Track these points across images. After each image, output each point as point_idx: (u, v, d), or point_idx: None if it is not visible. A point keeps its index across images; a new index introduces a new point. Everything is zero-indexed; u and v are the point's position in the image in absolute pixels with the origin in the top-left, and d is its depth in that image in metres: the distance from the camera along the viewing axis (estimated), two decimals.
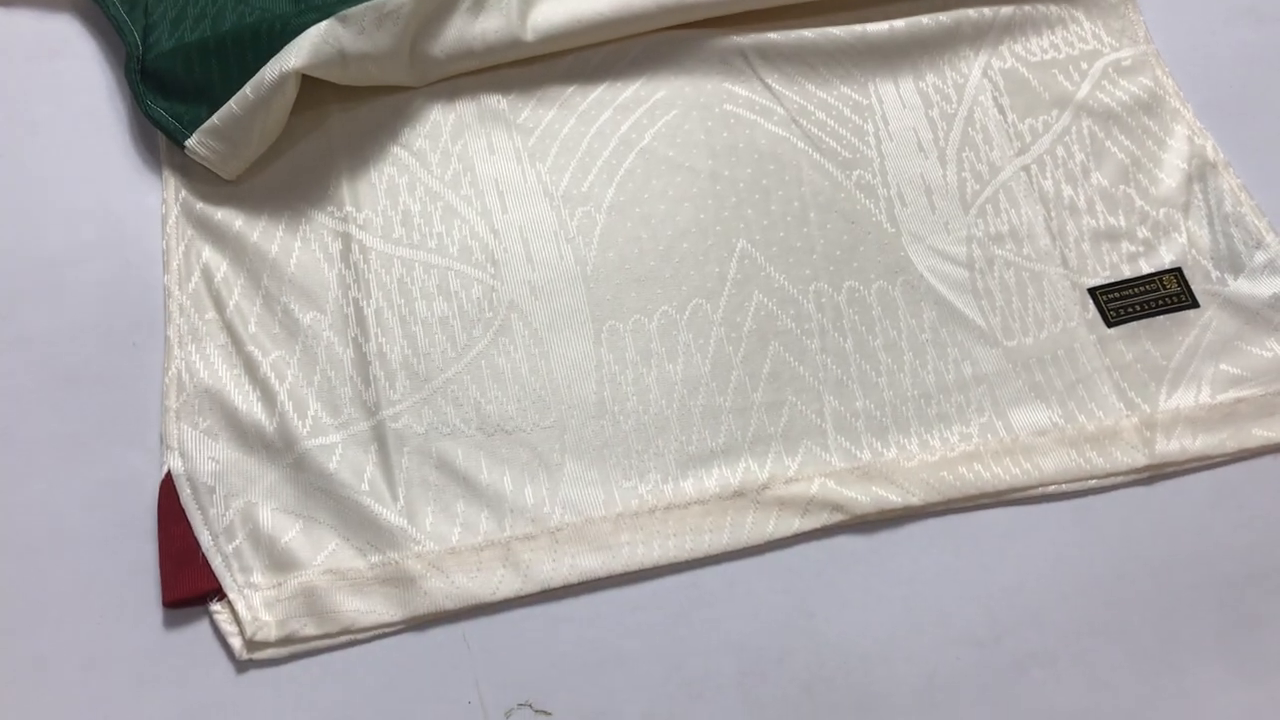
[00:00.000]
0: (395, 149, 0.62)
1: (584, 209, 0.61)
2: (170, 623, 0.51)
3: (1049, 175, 0.63)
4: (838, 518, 0.54)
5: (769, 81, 0.65)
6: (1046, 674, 0.52)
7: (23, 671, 0.50)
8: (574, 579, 0.52)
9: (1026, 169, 0.63)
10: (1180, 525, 0.55)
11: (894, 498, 0.54)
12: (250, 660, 0.50)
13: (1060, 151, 0.64)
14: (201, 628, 0.51)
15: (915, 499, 0.55)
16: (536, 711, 0.50)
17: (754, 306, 0.59)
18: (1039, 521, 0.55)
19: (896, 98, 0.65)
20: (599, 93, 0.64)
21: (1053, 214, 0.62)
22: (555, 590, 0.52)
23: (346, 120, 0.62)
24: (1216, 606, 0.53)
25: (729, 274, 0.59)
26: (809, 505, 0.54)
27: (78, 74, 0.63)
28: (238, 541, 0.52)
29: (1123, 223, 0.62)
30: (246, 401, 0.55)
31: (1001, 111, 0.65)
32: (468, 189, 0.61)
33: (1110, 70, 0.66)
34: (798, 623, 0.53)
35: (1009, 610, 0.53)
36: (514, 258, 0.59)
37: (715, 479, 0.55)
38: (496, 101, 0.63)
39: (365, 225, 0.59)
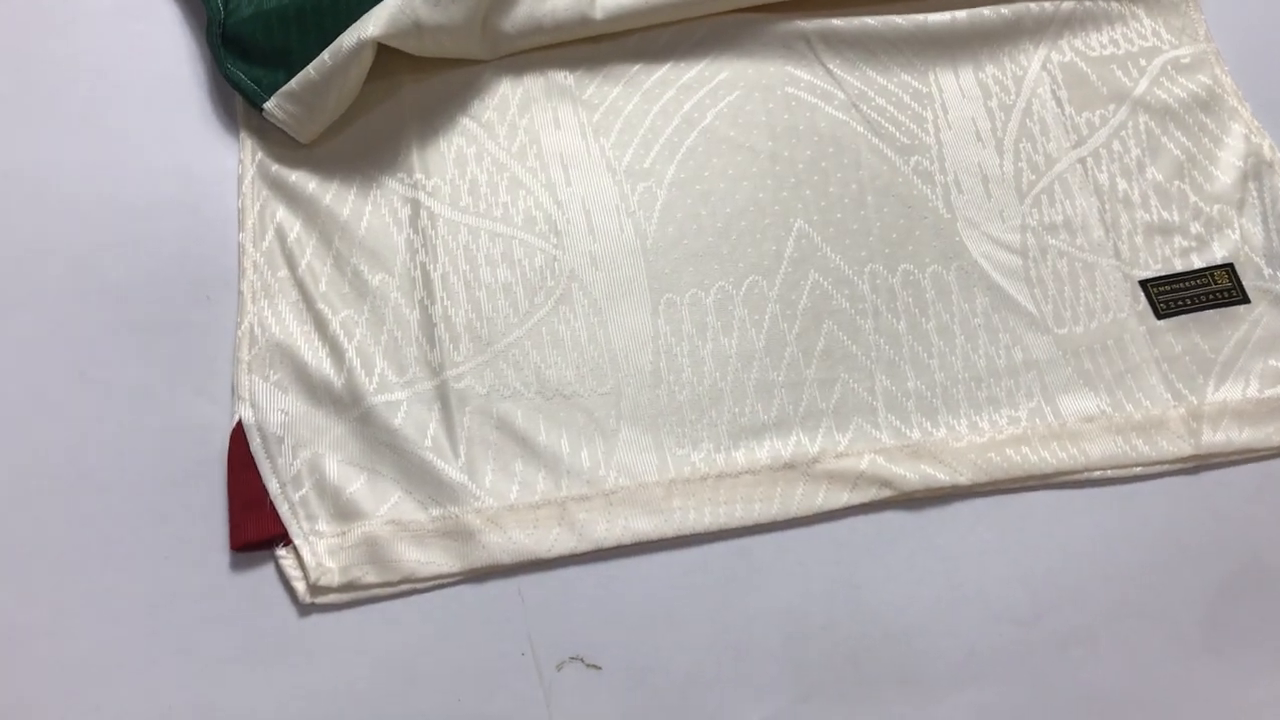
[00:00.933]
0: (464, 120, 0.63)
1: (645, 184, 0.62)
2: (236, 565, 0.53)
3: (1104, 168, 0.64)
4: (886, 493, 0.55)
5: (831, 66, 0.66)
6: (1086, 653, 0.53)
7: (93, 605, 0.52)
8: (626, 540, 0.54)
9: (1082, 161, 0.64)
10: (1224, 515, 0.56)
11: (942, 476, 0.55)
12: (313, 604, 0.52)
13: (1116, 145, 0.64)
14: (266, 571, 0.53)
15: (963, 479, 0.56)
16: (587, 665, 0.52)
17: (809, 285, 0.60)
18: (1084, 506, 0.56)
19: (956, 87, 0.66)
20: (664, 72, 0.65)
21: (1107, 206, 0.63)
22: (608, 550, 0.54)
23: (418, 90, 0.64)
24: (1258, 596, 0.54)
25: (786, 252, 0.61)
26: (858, 480, 0.55)
27: (161, 37, 0.65)
28: (304, 490, 0.54)
29: (1176, 217, 0.63)
30: (316, 357, 0.57)
31: (1059, 104, 0.65)
32: (533, 161, 0.62)
33: (1169, 67, 0.67)
34: (844, 593, 0.54)
35: (1051, 590, 0.54)
36: (576, 229, 0.60)
37: (767, 450, 0.56)
38: (564, 77, 0.65)
39: (434, 192, 0.61)
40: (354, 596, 0.53)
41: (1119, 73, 0.66)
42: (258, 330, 0.57)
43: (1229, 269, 0.61)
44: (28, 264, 0.59)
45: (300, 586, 0.52)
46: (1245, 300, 0.61)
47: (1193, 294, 0.61)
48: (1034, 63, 0.67)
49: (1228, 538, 0.55)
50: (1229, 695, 0.52)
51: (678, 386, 0.58)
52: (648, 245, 0.60)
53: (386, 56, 0.61)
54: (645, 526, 0.54)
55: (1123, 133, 0.65)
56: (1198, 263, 0.62)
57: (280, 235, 0.59)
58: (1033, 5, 0.67)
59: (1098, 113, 0.65)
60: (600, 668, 0.52)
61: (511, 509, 0.54)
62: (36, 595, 0.52)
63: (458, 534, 0.53)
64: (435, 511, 0.54)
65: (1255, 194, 0.63)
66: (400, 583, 0.53)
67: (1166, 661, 0.53)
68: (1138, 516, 0.56)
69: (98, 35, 0.65)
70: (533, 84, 0.64)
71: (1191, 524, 0.56)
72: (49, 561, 0.53)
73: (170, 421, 0.56)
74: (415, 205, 0.60)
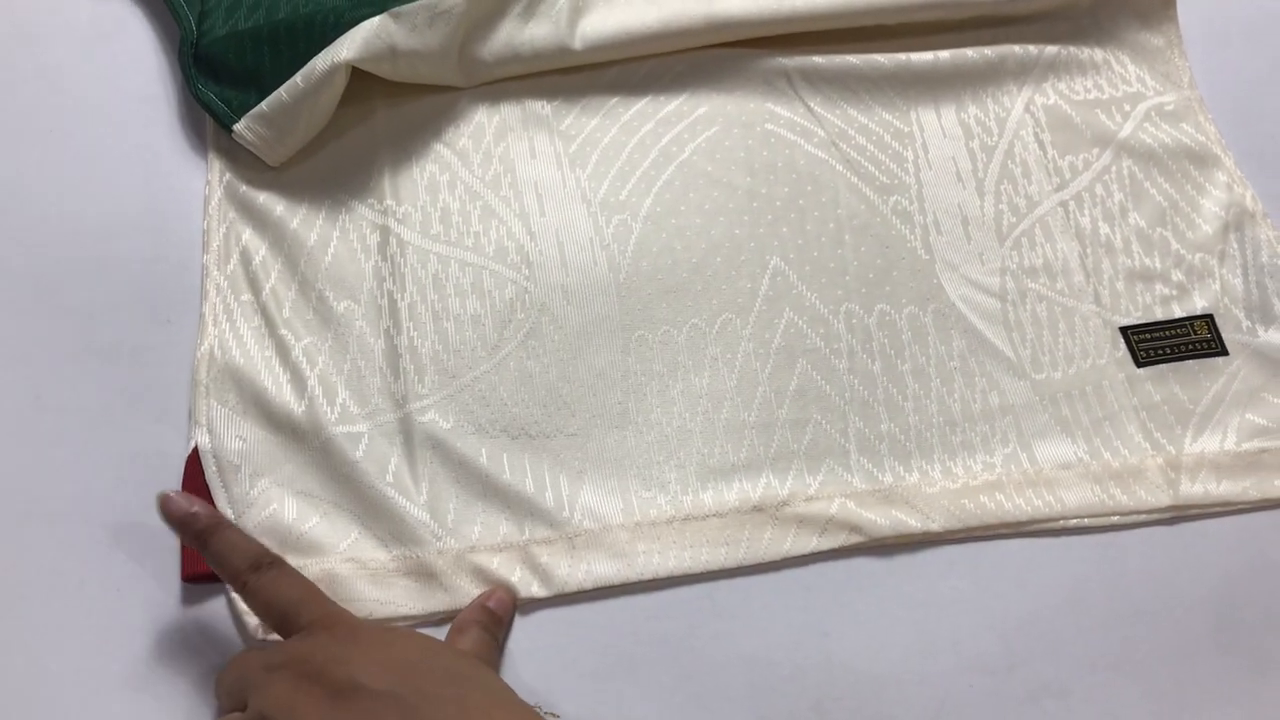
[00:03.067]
0: (438, 147, 0.62)
1: (620, 217, 0.61)
2: (188, 598, 0.52)
3: (1086, 212, 0.63)
4: (856, 539, 0.54)
5: (811, 104, 0.65)
6: (1059, 706, 0.51)
7: (38, 637, 0.51)
8: (589, 585, 0.52)
9: (1064, 205, 0.63)
10: (1201, 567, 0.55)
11: (913, 522, 0.54)
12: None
13: (1099, 190, 0.64)
14: (218, 605, 0.52)
15: (935, 525, 0.54)
16: (545, 713, 0.50)
17: (784, 324, 0.59)
18: (1059, 554, 0.55)
19: (938, 127, 0.65)
20: (642, 105, 0.64)
21: (1088, 251, 0.62)
22: (570, 594, 0.53)
23: (392, 116, 0.63)
24: (1234, 651, 0.53)
25: (760, 290, 0.60)
26: (828, 525, 0.54)
27: (131, 56, 0.64)
28: (260, 522, 0.52)
29: (1158, 264, 0.62)
30: (276, 384, 0.55)
31: (1042, 147, 0.65)
32: (507, 190, 0.61)
33: (1153, 114, 0.66)
34: (811, 641, 0.52)
35: (1024, 641, 0.53)
36: (549, 261, 0.59)
37: (735, 493, 0.55)
38: (541, 107, 0.64)
39: (404, 220, 0.60)
40: None
41: (1103, 116, 0.66)
42: (218, 353, 0.56)
43: (1209, 320, 0.61)
44: None
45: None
46: (1224, 352, 0.60)
47: (1172, 343, 0.60)
48: (1017, 104, 0.66)
49: (1205, 591, 0.54)
50: None
51: (646, 427, 0.56)
52: (620, 279, 0.59)
53: (361, 81, 0.60)
54: (608, 571, 0.53)
55: (1105, 177, 0.64)
56: (1178, 311, 0.61)
57: (245, 258, 0.58)
58: (1016, 48, 0.67)
59: (1081, 156, 0.65)
60: (559, 716, 0.50)
61: (473, 550, 0.53)
62: None
63: (419, 575, 0.52)
64: (396, 551, 0.52)
65: (1236, 245, 0.63)
66: None
67: (1140, 716, 0.52)
68: (1114, 567, 0.55)
69: (68, 52, 0.64)
70: (509, 112, 0.63)
71: (1169, 576, 0.55)
72: None
73: (127, 448, 0.55)
74: (385, 232, 0.59)
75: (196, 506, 0.48)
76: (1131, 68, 0.68)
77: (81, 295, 0.57)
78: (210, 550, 0.48)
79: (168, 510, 0.48)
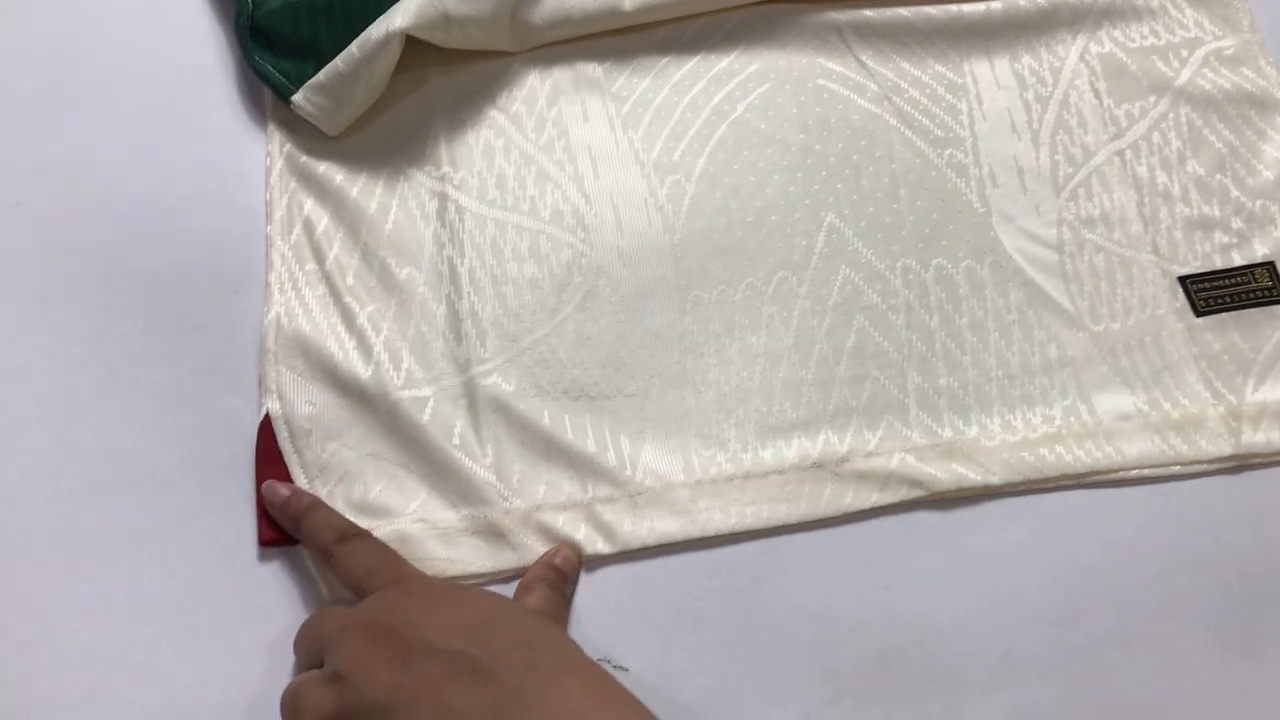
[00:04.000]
0: (492, 112, 0.63)
1: (674, 178, 0.61)
2: (264, 561, 0.53)
3: (1144, 161, 0.62)
4: (916, 493, 0.54)
5: (863, 58, 0.65)
6: (1122, 655, 0.52)
7: (121, 603, 0.52)
8: (652, 541, 0.53)
9: (1121, 154, 0.62)
10: (1265, 516, 0.55)
11: (974, 476, 0.55)
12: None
13: (1156, 138, 0.63)
14: (293, 568, 0.53)
15: (995, 478, 0.55)
16: (614, 667, 0.51)
17: (840, 281, 0.59)
18: (1120, 505, 0.55)
19: (991, 78, 0.64)
20: (693, 64, 0.64)
21: (1146, 200, 0.61)
22: (634, 551, 0.54)
23: (446, 83, 0.63)
24: None
25: (816, 248, 0.60)
26: (888, 480, 0.55)
27: (188, 31, 0.65)
28: (331, 486, 0.54)
29: (1217, 212, 0.61)
30: (343, 350, 0.56)
31: (1097, 96, 0.64)
32: (561, 154, 0.62)
33: (1211, 59, 0.65)
34: (874, 594, 0.53)
35: (1087, 591, 0.53)
36: (604, 223, 0.60)
37: (795, 450, 0.56)
38: (592, 69, 0.64)
39: (461, 185, 0.60)
40: None
41: (1160, 64, 0.65)
42: (285, 320, 0.57)
43: (1270, 267, 0.60)
44: (57, 262, 0.59)
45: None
46: None
47: (1232, 292, 0.59)
48: (1071, 54, 0.65)
49: (1268, 539, 0.54)
50: (1267, 698, 0.52)
51: (704, 386, 0.57)
52: (676, 240, 0.60)
53: (414, 49, 0.60)
54: (671, 528, 0.53)
55: (1163, 125, 0.63)
56: (1238, 259, 0.60)
57: (308, 228, 0.59)
58: None
59: (1137, 104, 0.64)
60: (628, 669, 0.51)
61: (539, 509, 0.54)
62: (65, 594, 0.52)
63: (488, 534, 0.53)
64: (464, 511, 0.54)
65: None
66: None
67: (1204, 664, 0.52)
68: (1176, 517, 0.55)
69: (126, 30, 0.65)
70: (561, 76, 0.64)
71: (1231, 525, 0.55)
72: (79, 560, 0.53)
73: (200, 418, 0.56)
74: (443, 199, 0.60)
75: (290, 492, 0.52)
76: (1189, 12, 0.67)
77: (150, 270, 0.59)
78: (303, 530, 0.51)
79: (268, 499, 0.53)
